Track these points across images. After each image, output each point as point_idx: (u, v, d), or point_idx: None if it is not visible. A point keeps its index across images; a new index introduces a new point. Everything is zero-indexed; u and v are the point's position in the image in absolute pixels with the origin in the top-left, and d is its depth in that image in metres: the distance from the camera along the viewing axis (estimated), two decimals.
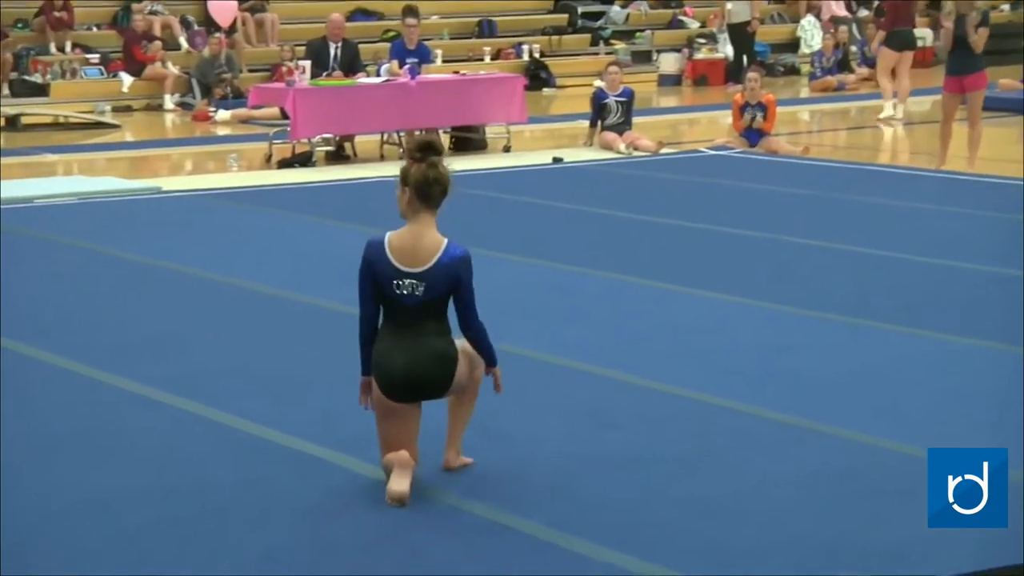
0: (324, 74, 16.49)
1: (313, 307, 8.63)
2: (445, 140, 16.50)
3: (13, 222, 11.63)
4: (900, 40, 19.48)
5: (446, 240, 5.55)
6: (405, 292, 5.50)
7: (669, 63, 25.12)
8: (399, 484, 5.34)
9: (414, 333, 5.52)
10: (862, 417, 6.37)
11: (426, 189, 5.52)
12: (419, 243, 5.53)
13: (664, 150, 15.97)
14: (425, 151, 5.56)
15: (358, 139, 16.04)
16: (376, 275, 5.53)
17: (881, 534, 4.99)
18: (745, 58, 23.46)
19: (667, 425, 6.31)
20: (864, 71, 24.84)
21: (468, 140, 16.49)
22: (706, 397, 6.67)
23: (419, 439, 5.59)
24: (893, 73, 19.43)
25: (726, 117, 16.90)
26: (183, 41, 22.28)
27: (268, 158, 15.45)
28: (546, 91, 23.54)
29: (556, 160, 15.40)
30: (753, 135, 16.08)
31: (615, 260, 9.99)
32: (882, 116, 19.34)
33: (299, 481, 5.62)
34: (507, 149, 16.25)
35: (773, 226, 11.25)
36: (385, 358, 5.54)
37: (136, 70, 21.07)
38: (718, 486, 5.56)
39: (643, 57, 25.62)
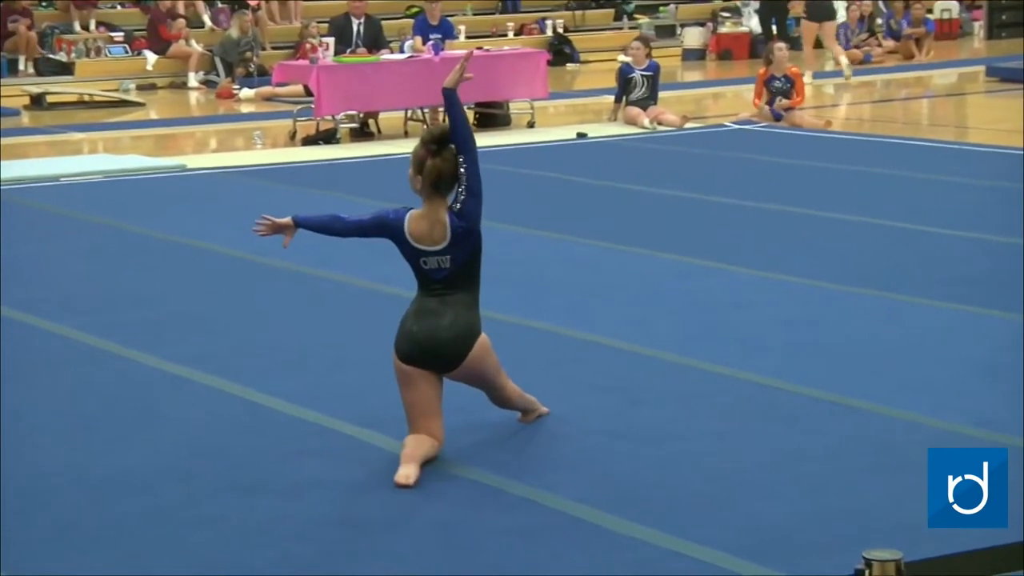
0: (347, 51, 16.50)
1: (340, 284, 8.64)
2: (469, 116, 16.45)
3: (39, 200, 11.67)
4: (819, 11, 19.72)
5: (447, 211, 5.63)
6: (434, 267, 5.62)
7: (693, 37, 25.05)
8: (403, 470, 5.34)
9: (443, 301, 5.62)
10: (893, 391, 6.36)
11: (439, 182, 5.62)
12: (435, 224, 5.62)
13: (688, 125, 15.92)
14: (440, 142, 5.59)
15: (382, 116, 16.04)
16: (398, 247, 5.69)
17: (912, 507, 4.98)
18: (776, 30, 23.38)
19: (696, 400, 6.30)
20: (890, 43, 24.74)
21: (492, 116, 16.47)
22: (735, 372, 6.66)
23: (445, 416, 5.60)
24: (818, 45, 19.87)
25: (751, 92, 16.83)
26: (207, 19, 22.30)
27: (292, 135, 15.46)
28: (570, 66, 23.51)
29: (580, 135, 15.38)
30: (778, 113, 16.00)
31: (641, 235, 9.97)
32: (845, 79, 19.54)
33: (328, 458, 5.64)
34: (531, 125, 16.23)
35: (799, 200, 11.22)
36: (407, 322, 5.63)
37: (160, 48, 21.10)
38: (748, 460, 5.55)
39: (667, 31, 25.55)
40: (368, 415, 6.09)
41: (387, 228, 5.73)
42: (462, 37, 19.92)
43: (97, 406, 6.37)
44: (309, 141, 15.14)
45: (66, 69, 20.59)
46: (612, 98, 16.69)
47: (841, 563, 3.34)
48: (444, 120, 5.74)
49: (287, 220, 6.02)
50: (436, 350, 5.58)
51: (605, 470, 5.49)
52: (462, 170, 5.61)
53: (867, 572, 2.91)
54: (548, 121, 16.78)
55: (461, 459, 5.56)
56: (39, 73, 20.48)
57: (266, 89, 19.16)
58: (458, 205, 5.62)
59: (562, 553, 4.73)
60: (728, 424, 5.97)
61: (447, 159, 5.59)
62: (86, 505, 5.20)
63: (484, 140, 15.01)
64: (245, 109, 18.91)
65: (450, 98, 5.67)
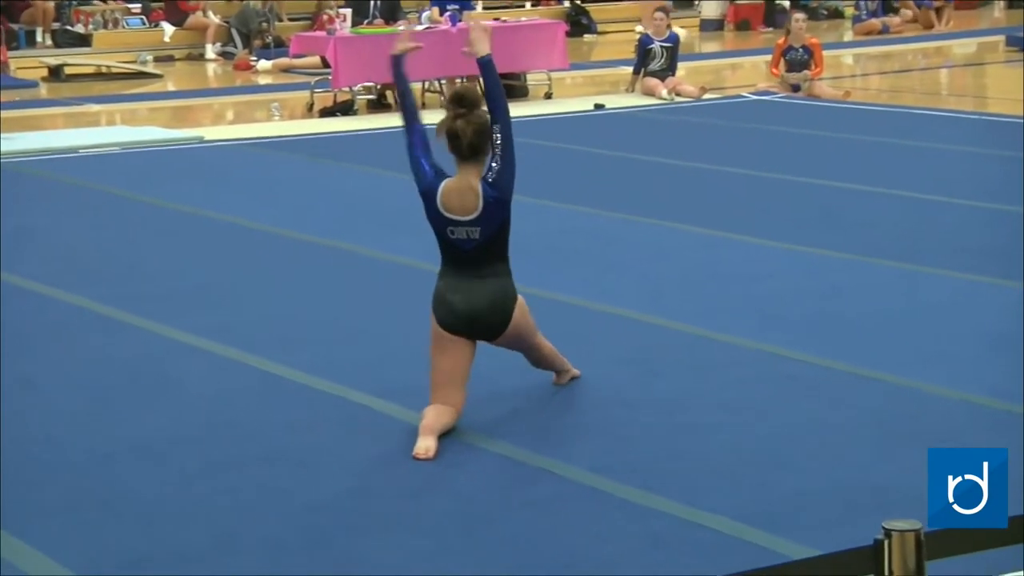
0: (365, 22, 16.48)
1: (357, 255, 8.64)
2: None
3: (58, 172, 11.69)
4: None
5: (480, 180, 5.56)
6: (462, 238, 5.57)
7: (711, 8, 24.96)
8: (422, 443, 5.33)
9: (474, 274, 5.58)
10: (909, 361, 6.34)
11: (451, 142, 5.56)
12: (466, 192, 5.57)
13: (706, 96, 15.88)
14: (464, 104, 5.54)
15: None
16: (425, 209, 5.64)
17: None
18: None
19: (713, 371, 6.29)
20: (909, 13, 24.62)
21: (510, 87, 16.41)
22: (752, 343, 6.65)
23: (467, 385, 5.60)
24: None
25: (769, 62, 16.78)
26: None
27: (310, 107, 15.45)
28: (587, 37, 23.44)
29: (598, 107, 15.34)
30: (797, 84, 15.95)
31: (659, 207, 9.96)
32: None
33: (345, 429, 5.64)
34: (548, 96, 16.19)
35: (817, 171, 11.18)
36: (445, 293, 5.60)
37: (178, 20, 21.08)
38: (765, 431, 5.54)
39: (685, 1, 25.46)
40: (385, 386, 6.10)
41: (422, 177, 5.63)
42: (479, 8, 19.90)
43: (114, 376, 6.39)
44: (326, 113, 15.13)
45: (83, 41, 20.59)
46: (630, 69, 16.64)
47: (858, 534, 3.33)
48: (471, 83, 5.67)
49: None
50: (478, 320, 5.58)
51: (622, 441, 5.49)
52: (496, 136, 5.55)
53: (886, 542, 2.90)
54: (565, 92, 16.75)
55: (478, 430, 5.56)
56: (56, 45, 20.49)
57: (283, 61, 19.14)
58: (492, 175, 5.57)
59: (579, 524, 4.73)
60: (745, 395, 5.96)
61: (472, 121, 5.52)
62: (102, 474, 5.22)
63: None
64: (262, 81, 18.91)
65: (485, 66, 5.63)
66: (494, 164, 5.56)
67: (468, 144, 5.53)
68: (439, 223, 5.60)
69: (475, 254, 5.58)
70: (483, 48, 5.66)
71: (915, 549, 2.90)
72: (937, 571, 2.94)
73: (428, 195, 5.62)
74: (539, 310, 5.89)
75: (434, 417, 5.42)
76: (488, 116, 5.56)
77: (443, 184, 5.60)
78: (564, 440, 5.51)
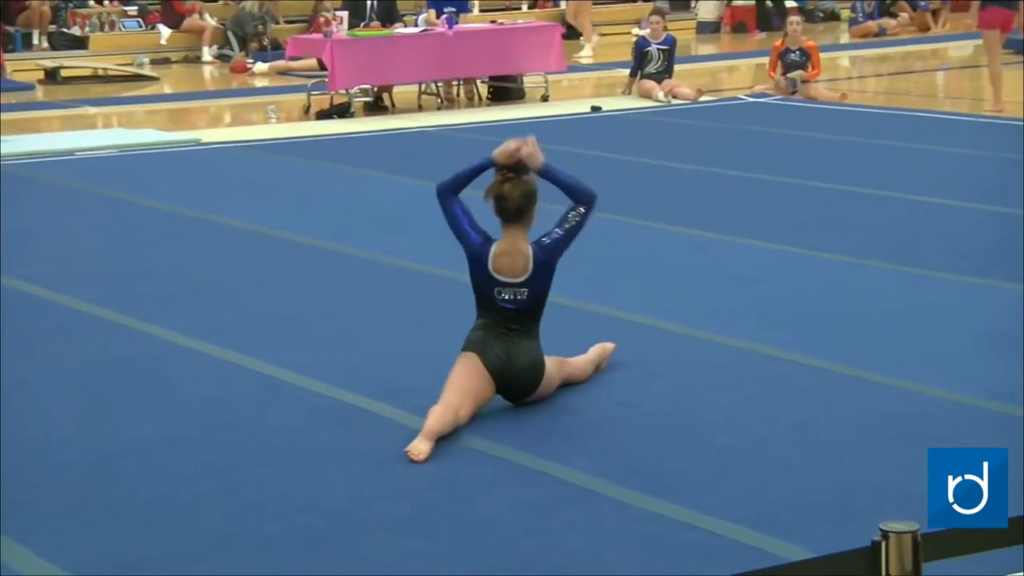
0: (361, 24, 16.47)
1: (353, 257, 8.64)
2: (483, 90, 16.46)
3: (54, 174, 11.68)
4: None
5: (530, 243, 5.71)
6: (508, 298, 5.70)
7: (708, 10, 24.98)
8: (417, 444, 5.33)
9: (515, 332, 5.71)
10: (906, 363, 6.35)
11: (497, 205, 5.68)
12: (516, 256, 5.70)
13: (703, 98, 15.89)
14: (515, 170, 5.66)
15: (396, 90, 16.02)
16: (472, 271, 5.75)
17: (925, 479, 4.97)
18: (770, 3, 23.37)
19: (710, 373, 6.29)
20: (905, 16, 24.63)
21: (506, 90, 16.44)
22: (748, 344, 6.66)
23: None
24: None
25: (765, 64, 16.79)
26: None
27: (306, 109, 15.45)
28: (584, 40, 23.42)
29: (595, 109, 15.35)
30: (794, 83, 15.96)
31: (656, 209, 9.96)
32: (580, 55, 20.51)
33: (342, 430, 5.65)
34: (545, 98, 16.20)
35: (813, 173, 11.19)
36: (484, 344, 5.69)
37: (174, 22, 21.08)
38: (762, 433, 5.55)
39: (681, 4, 25.46)
40: (381, 387, 6.10)
41: (470, 244, 5.75)
42: (476, 11, 19.90)
43: (111, 378, 6.38)
44: (323, 115, 15.13)
45: (80, 43, 20.58)
46: (627, 71, 16.65)
47: (855, 535, 3.33)
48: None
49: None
50: (514, 377, 5.70)
51: (619, 442, 5.49)
52: (574, 214, 5.71)
53: (884, 544, 2.90)
54: (562, 95, 16.76)
55: (476, 432, 5.56)
56: (53, 47, 20.48)
57: (280, 63, 19.14)
58: (548, 240, 5.68)
59: (576, 526, 4.73)
60: (742, 396, 5.96)
61: (518, 185, 5.62)
62: (100, 476, 5.22)
63: (498, 114, 15.05)
64: (259, 83, 18.91)
65: (547, 172, 5.71)
66: (558, 231, 5.70)
67: (515, 208, 5.65)
68: (488, 285, 5.71)
69: (518, 315, 5.71)
70: (538, 161, 5.72)
71: (912, 550, 2.90)
72: (934, 573, 2.94)
73: (478, 259, 5.73)
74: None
75: (436, 419, 5.42)
76: (534, 182, 5.67)
77: (493, 247, 5.70)
78: (561, 442, 5.50)
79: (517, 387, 5.76)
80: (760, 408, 5.83)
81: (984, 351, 6.56)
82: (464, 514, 4.85)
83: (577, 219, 5.73)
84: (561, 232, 5.72)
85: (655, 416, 5.76)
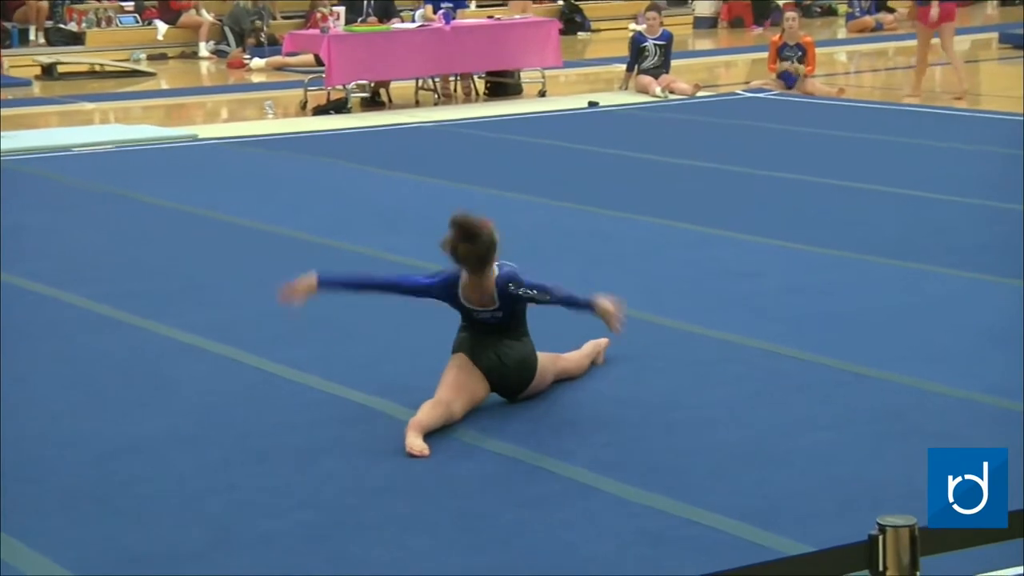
0: (358, 20, 16.47)
1: (350, 253, 8.64)
2: (480, 85, 16.45)
3: (51, 170, 11.68)
4: None
5: (495, 276, 5.68)
6: (487, 318, 5.74)
7: (704, 5, 24.97)
8: (411, 441, 5.34)
9: (497, 338, 5.75)
10: (903, 358, 6.35)
11: (456, 260, 5.66)
12: (483, 293, 5.70)
13: (700, 93, 15.89)
14: (461, 237, 5.60)
15: (393, 85, 16.01)
16: (446, 301, 5.78)
17: (923, 474, 4.97)
18: None
19: (707, 368, 6.29)
20: (904, 11, 24.60)
21: (503, 85, 16.44)
22: (746, 340, 6.66)
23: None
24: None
25: (762, 60, 16.79)
26: None
27: (303, 105, 15.44)
28: (581, 35, 23.44)
29: (592, 104, 15.34)
30: (789, 77, 15.97)
31: (652, 204, 9.96)
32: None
33: (340, 426, 5.65)
34: (542, 94, 16.19)
35: (810, 168, 11.19)
36: (472, 347, 5.72)
37: (171, 18, 21.07)
38: (759, 428, 5.55)
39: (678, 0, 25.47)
40: (379, 384, 6.10)
41: (434, 295, 5.79)
42: (473, 6, 19.88)
43: (108, 375, 6.38)
44: (320, 111, 15.12)
45: (77, 39, 20.57)
46: (623, 67, 16.65)
47: (853, 529, 3.33)
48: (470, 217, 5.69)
49: (310, 280, 5.90)
50: (505, 376, 5.74)
51: (616, 438, 5.49)
52: (542, 298, 5.69)
53: (881, 538, 2.91)
54: (559, 90, 16.75)
55: (474, 428, 5.57)
56: (50, 43, 20.47)
57: (277, 59, 19.13)
58: (515, 290, 5.64)
59: (574, 521, 4.73)
60: (739, 392, 5.97)
61: (476, 248, 5.60)
62: (98, 473, 5.22)
63: (495, 109, 15.04)
64: (256, 79, 18.89)
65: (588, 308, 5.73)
66: (525, 291, 5.64)
67: (476, 260, 5.64)
68: (464, 309, 5.76)
69: (500, 326, 5.74)
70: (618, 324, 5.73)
71: (909, 545, 2.91)
72: (931, 566, 2.95)
73: (449, 297, 5.75)
74: (536, 309, 5.88)
75: (425, 413, 5.44)
76: (494, 234, 5.63)
77: (460, 282, 5.71)
78: (559, 437, 5.51)
79: (510, 384, 5.78)
80: (758, 403, 5.83)
81: (983, 346, 6.56)
82: (463, 510, 4.85)
83: (542, 301, 5.70)
84: (527, 294, 5.68)
85: (653, 411, 5.76)
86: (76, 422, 5.78)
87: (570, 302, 5.75)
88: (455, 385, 5.63)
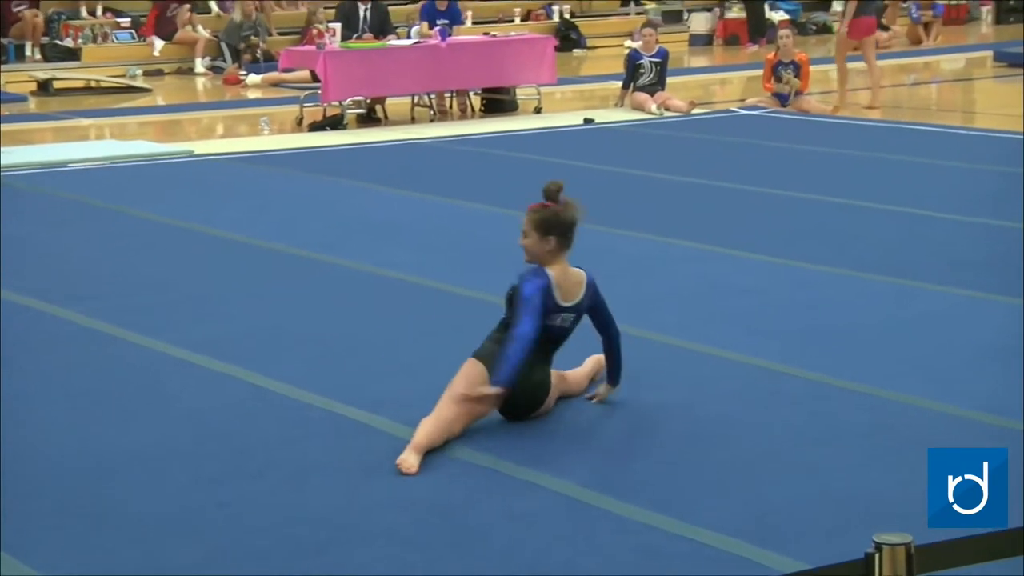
0: (354, 36, 16.49)
1: (346, 269, 8.64)
2: (476, 102, 16.47)
3: (47, 186, 11.68)
4: None
5: (582, 270, 5.80)
6: (557, 324, 5.74)
7: (700, 22, 25.01)
8: (408, 457, 5.32)
9: (538, 358, 5.71)
10: (898, 375, 6.35)
11: (571, 232, 5.74)
12: (570, 279, 5.75)
13: (695, 110, 15.91)
14: (557, 198, 5.70)
15: (389, 101, 16.03)
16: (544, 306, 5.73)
17: (919, 491, 4.96)
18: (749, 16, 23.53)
19: (702, 385, 6.29)
20: (898, 28, 24.67)
21: (499, 102, 16.45)
22: (741, 356, 6.66)
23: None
24: None
25: (757, 77, 16.82)
26: (213, 4, 22.28)
27: (299, 121, 15.45)
28: (576, 52, 23.48)
29: (587, 121, 15.36)
30: (783, 96, 16.00)
31: (648, 221, 9.96)
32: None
33: (334, 442, 5.64)
34: (538, 110, 16.21)
35: (805, 185, 11.20)
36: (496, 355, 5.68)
37: (167, 34, 21.08)
38: (754, 444, 5.54)
39: (674, 17, 25.52)
40: (373, 400, 6.09)
41: (549, 307, 5.73)
42: (469, 23, 19.90)
43: (103, 390, 6.38)
44: (316, 127, 15.14)
45: (73, 55, 20.59)
46: (619, 84, 16.68)
47: (848, 547, 3.34)
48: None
49: (489, 391, 5.63)
50: (515, 399, 5.71)
51: (610, 454, 5.49)
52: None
53: (877, 556, 2.91)
54: (555, 107, 16.77)
55: (464, 443, 5.55)
56: (46, 59, 20.49)
57: (273, 75, 19.13)
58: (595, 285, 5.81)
59: (566, 538, 4.73)
60: (734, 408, 5.96)
61: (570, 205, 5.69)
62: (90, 488, 5.21)
63: (491, 126, 15.06)
64: (252, 95, 18.91)
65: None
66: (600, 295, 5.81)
67: (575, 228, 5.75)
68: (550, 310, 5.71)
69: (549, 342, 5.74)
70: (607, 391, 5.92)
71: (905, 562, 2.91)
72: None
73: (548, 285, 5.70)
74: None
75: (425, 433, 5.41)
76: None
77: (552, 280, 5.71)
78: (552, 453, 5.50)
79: (519, 406, 5.73)
80: (753, 420, 5.83)
81: (977, 363, 6.56)
82: (456, 525, 4.85)
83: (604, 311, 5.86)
84: (602, 310, 5.89)
85: (647, 427, 5.76)
86: (69, 436, 5.76)
87: (618, 347, 5.96)
88: (460, 401, 5.57)
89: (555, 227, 5.70)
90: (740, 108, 16.15)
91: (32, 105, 17.97)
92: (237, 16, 20.87)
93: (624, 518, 4.87)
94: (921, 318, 7.35)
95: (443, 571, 4.52)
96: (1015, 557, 3.05)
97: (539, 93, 16.31)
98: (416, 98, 16.22)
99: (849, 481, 5.17)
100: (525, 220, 5.80)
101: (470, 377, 5.62)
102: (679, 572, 4.47)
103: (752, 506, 4.95)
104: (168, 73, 20.87)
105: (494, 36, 16.86)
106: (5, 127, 15.06)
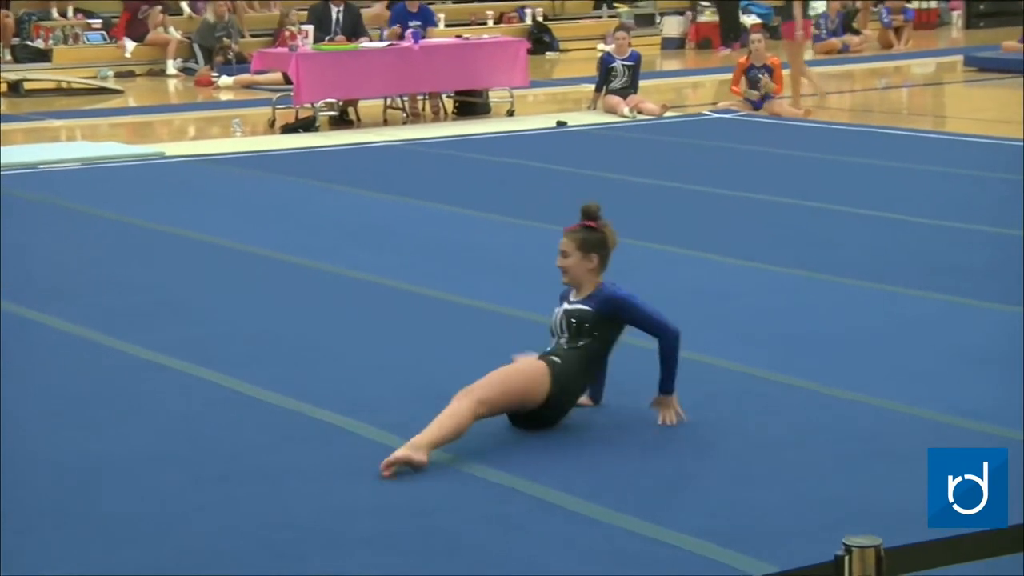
0: (327, 38, 16.46)
1: (319, 272, 8.63)
2: (449, 104, 16.47)
3: (16, 187, 11.62)
4: None
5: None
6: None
7: (672, 26, 25.05)
8: (402, 451, 5.31)
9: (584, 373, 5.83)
10: (877, 381, 6.36)
11: (610, 253, 6.02)
12: None
13: (668, 113, 15.94)
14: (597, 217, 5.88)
15: (361, 104, 16.01)
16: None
17: (891, 495, 4.99)
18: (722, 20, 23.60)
19: (681, 389, 6.27)
20: (869, 33, 24.76)
21: (471, 104, 16.45)
22: (717, 360, 6.67)
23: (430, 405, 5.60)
24: None
25: (730, 81, 16.86)
26: (185, 6, 22.22)
27: (271, 123, 15.42)
28: (549, 55, 23.49)
29: (560, 124, 15.37)
30: (756, 102, 16.03)
31: (621, 224, 9.89)
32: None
33: (313, 447, 5.63)
34: (511, 113, 16.22)
35: (778, 189, 11.23)
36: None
37: (138, 35, 21.01)
38: (729, 448, 5.55)
39: (646, 20, 25.54)
40: (349, 403, 6.08)
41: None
42: (441, 25, 19.89)
43: (77, 394, 6.35)
44: (288, 129, 15.11)
45: (43, 56, 20.50)
46: (592, 87, 16.70)
47: (821, 550, 3.34)
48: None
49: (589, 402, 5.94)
50: (550, 408, 5.72)
51: (585, 458, 5.49)
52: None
53: (847, 558, 2.92)
54: (527, 110, 16.78)
55: (448, 449, 5.53)
56: (16, 60, 20.39)
57: (245, 77, 19.09)
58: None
59: (542, 541, 4.73)
60: (709, 412, 5.97)
61: (609, 226, 5.93)
62: (71, 494, 5.18)
63: (463, 129, 15.06)
64: (224, 97, 18.87)
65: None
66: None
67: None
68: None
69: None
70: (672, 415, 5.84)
71: (875, 565, 2.92)
72: None
73: None
74: (503, 327, 5.90)
75: (433, 430, 5.35)
76: None
77: None
78: (533, 459, 5.50)
79: (549, 414, 5.71)
80: (729, 424, 5.84)
81: (958, 369, 6.58)
82: (435, 530, 4.84)
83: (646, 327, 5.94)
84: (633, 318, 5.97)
85: (625, 432, 5.76)
86: (47, 442, 5.73)
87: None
88: (505, 385, 5.53)
89: (598, 246, 5.78)
90: (712, 111, 16.18)
91: (2, 106, 17.88)
92: (210, 18, 20.82)
93: (598, 521, 4.88)
94: (900, 323, 7.36)
95: (420, 573, 4.52)
96: (985, 559, 3.06)
97: (512, 96, 16.32)
98: (388, 100, 16.21)
99: (823, 485, 5.18)
100: (564, 241, 5.85)
101: (533, 376, 5.62)
102: (653, 574, 4.47)
103: (726, 509, 4.96)
104: (140, 75, 20.81)
105: (467, 39, 16.85)
106: None
